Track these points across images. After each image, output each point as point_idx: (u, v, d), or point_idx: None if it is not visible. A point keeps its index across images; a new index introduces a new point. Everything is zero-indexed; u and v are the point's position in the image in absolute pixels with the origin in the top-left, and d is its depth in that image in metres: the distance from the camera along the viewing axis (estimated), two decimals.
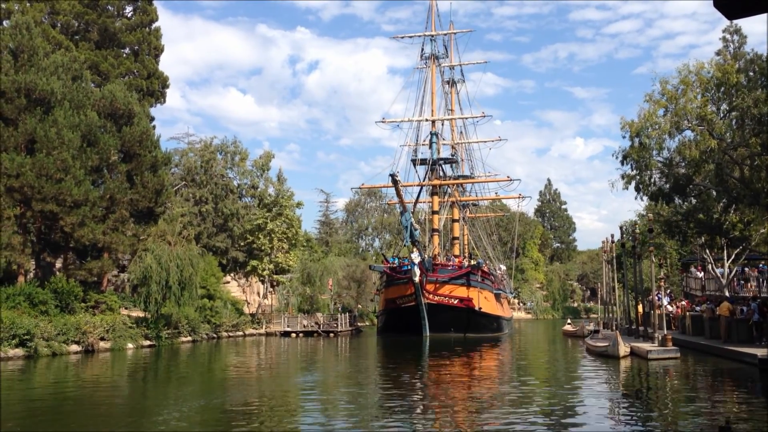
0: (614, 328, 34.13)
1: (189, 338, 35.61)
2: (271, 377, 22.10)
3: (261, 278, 48.11)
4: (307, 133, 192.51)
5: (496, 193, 63.39)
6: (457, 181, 57.83)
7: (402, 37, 55.51)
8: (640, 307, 33.92)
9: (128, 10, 43.56)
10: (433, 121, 52.08)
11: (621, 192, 47.14)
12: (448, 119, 58.11)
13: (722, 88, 28.05)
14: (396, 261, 45.25)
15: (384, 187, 55.94)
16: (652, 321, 28.46)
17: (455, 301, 42.24)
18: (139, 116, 34.58)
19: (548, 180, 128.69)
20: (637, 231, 34.22)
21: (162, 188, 35.24)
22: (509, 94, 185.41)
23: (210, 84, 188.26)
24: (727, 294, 31.10)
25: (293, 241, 47.72)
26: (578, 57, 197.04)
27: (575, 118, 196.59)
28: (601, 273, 50.24)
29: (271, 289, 50.73)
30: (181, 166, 49.59)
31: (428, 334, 40.20)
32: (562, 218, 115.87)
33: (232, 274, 51.65)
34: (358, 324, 51.28)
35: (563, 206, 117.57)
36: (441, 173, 52.91)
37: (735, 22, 28.75)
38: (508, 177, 55.69)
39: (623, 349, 25.03)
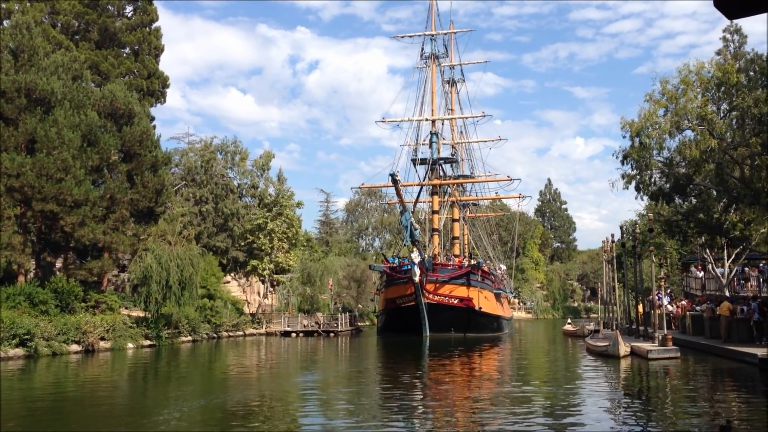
0: (614, 327, 34.13)
1: (189, 338, 35.61)
2: (271, 377, 22.10)
3: (261, 278, 48.12)
4: (307, 132, 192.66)
5: (496, 193, 63.46)
6: (457, 181, 57.82)
7: (402, 37, 55.58)
8: (640, 307, 33.91)
9: (128, 10, 43.57)
10: (433, 121, 52.07)
11: (621, 192, 47.13)
12: (448, 119, 58.12)
13: (722, 88, 28.04)
14: (396, 261, 45.24)
15: (384, 186, 56.00)
16: (653, 321, 28.45)
17: (455, 301, 42.24)
18: (140, 116, 34.58)
19: (548, 180, 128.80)
20: (638, 231, 34.21)
21: (162, 188, 35.24)
22: (509, 93, 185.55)
23: (210, 84, 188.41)
24: (727, 294, 31.09)
25: (293, 241, 47.73)
26: (578, 57, 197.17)
27: (575, 118, 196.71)
28: (602, 273, 50.24)
29: (272, 289, 50.73)
30: (181, 166, 49.60)
31: (428, 333, 40.21)
32: (563, 218, 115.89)
33: (232, 274, 51.65)
34: (359, 324, 51.28)
35: (563, 206, 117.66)
36: (441, 173, 52.90)
37: (735, 21, 28.76)
38: (508, 177, 55.72)
39: (623, 348, 25.03)
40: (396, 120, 52.63)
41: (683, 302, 35.55)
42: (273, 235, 45.46)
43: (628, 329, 34.38)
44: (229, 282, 51.08)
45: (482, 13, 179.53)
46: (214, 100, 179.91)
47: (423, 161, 50.74)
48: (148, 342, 31.89)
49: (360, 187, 58.57)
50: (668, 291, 37.89)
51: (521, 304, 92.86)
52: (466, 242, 64.47)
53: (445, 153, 54.93)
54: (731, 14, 4.27)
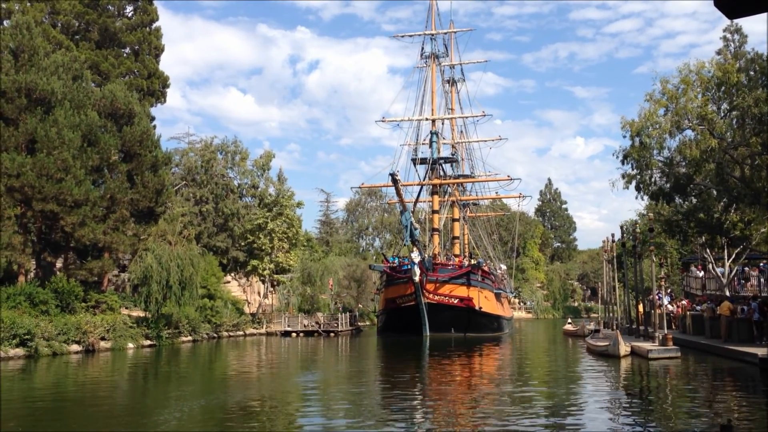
0: (615, 327, 34.12)
1: (189, 338, 35.61)
2: (271, 377, 22.10)
3: (261, 278, 48.12)
4: (307, 132, 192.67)
5: (496, 193, 63.44)
6: (457, 181, 57.81)
7: (402, 36, 55.58)
8: (640, 307, 33.91)
9: (129, 9, 43.57)
10: (434, 121, 52.05)
11: (621, 191, 47.13)
12: (448, 118, 58.11)
13: (723, 88, 28.03)
14: (396, 260, 45.23)
15: (384, 186, 55.99)
16: (653, 320, 28.45)
17: (455, 301, 42.23)
18: (140, 116, 34.58)
19: (549, 179, 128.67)
20: (638, 230, 34.21)
21: (162, 188, 35.24)
22: (509, 93, 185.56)
23: (210, 84, 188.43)
24: (727, 293, 31.09)
25: (294, 241, 47.72)
26: (579, 56, 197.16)
27: (576, 118, 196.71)
28: (602, 272, 50.22)
29: (272, 289, 50.73)
30: (181, 166, 49.60)
31: (428, 333, 40.20)
32: (563, 218, 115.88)
33: (232, 274, 51.65)
34: (359, 324, 51.28)
35: (564, 206, 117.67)
36: (441, 172, 52.89)
37: (735, 21, 28.74)
38: (508, 176, 55.66)
39: (624, 348, 25.03)
40: (396, 120, 52.65)
41: (683, 302, 35.55)
42: (273, 235, 45.46)
43: (628, 329, 34.37)
44: (229, 282, 51.08)
45: (482, 12, 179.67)
46: (215, 100, 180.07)
47: (423, 161, 50.72)
48: (148, 342, 31.90)
49: (360, 187, 58.59)
50: (668, 291, 37.89)
51: (521, 303, 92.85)
52: (466, 242, 64.47)
53: (445, 153, 54.94)
54: (731, 14, 4.27)
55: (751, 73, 28.07)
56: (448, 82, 61.22)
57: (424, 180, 50.94)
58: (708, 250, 35.60)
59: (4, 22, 34.62)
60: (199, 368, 25.67)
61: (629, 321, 36.25)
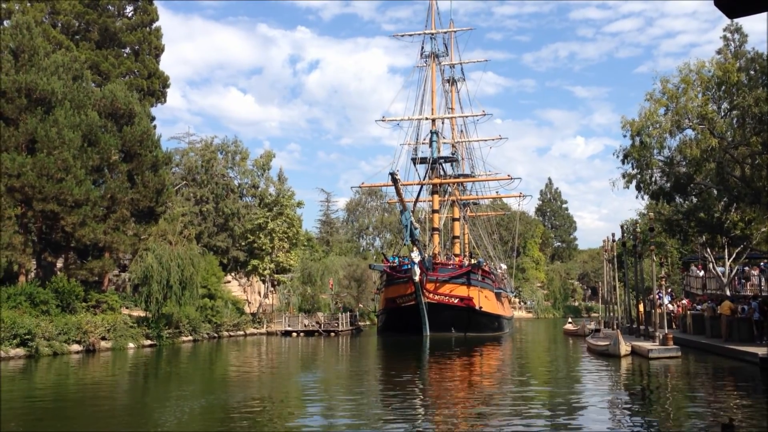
0: (615, 327, 34.11)
1: (190, 338, 35.62)
2: (272, 377, 22.10)
3: (262, 278, 48.13)
4: (307, 132, 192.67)
5: (496, 192, 63.41)
6: (457, 180, 57.79)
7: (402, 36, 55.55)
8: (641, 306, 33.90)
9: (129, 9, 43.57)
10: (434, 120, 52.03)
11: (622, 191, 47.15)
12: (448, 118, 58.09)
13: (723, 87, 28.04)
14: (396, 260, 45.21)
15: (384, 186, 56.01)
16: (653, 320, 28.45)
17: (456, 301, 42.21)
18: (140, 116, 34.58)
19: (549, 179, 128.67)
20: (638, 230, 34.22)
21: (163, 188, 35.24)
22: (510, 93, 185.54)
23: (210, 84, 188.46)
24: (728, 293, 31.08)
25: (294, 241, 47.73)
26: (579, 56, 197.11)
27: (576, 117, 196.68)
28: (602, 272, 50.21)
29: (272, 289, 50.74)
30: (181, 166, 49.62)
31: (428, 333, 40.19)
32: (563, 217, 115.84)
33: (233, 274, 51.66)
34: (359, 323, 51.28)
35: (564, 205, 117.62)
36: (441, 172, 52.86)
37: (736, 20, 28.72)
38: (508, 176, 55.53)
39: (624, 348, 25.03)
40: (396, 119, 52.60)
41: (684, 301, 35.54)
42: (273, 234, 45.47)
43: (628, 328, 34.37)
44: (229, 282, 51.09)
45: (482, 12, 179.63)
46: (215, 99, 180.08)
47: (423, 160, 50.69)
48: (148, 342, 31.91)
49: (360, 187, 58.55)
50: (669, 290, 37.87)
51: (522, 303, 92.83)
52: (466, 241, 64.46)
53: (446, 152, 54.92)
54: (732, 13, 4.27)
55: (752, 72, 28.07)
56: (448, 81, 61.22)
57: (424, 179, 50.91)
58: (708, 250, 35.60)
59: (5, 22, 34.63)
60: (199, 368, 25.67)
61: (630, 320, 36.25)
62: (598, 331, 37.79)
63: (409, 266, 40.22)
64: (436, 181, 51.79)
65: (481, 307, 43.27)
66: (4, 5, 36.28)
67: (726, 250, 34.32)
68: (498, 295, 51.72)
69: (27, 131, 29.44)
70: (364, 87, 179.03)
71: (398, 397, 16.05)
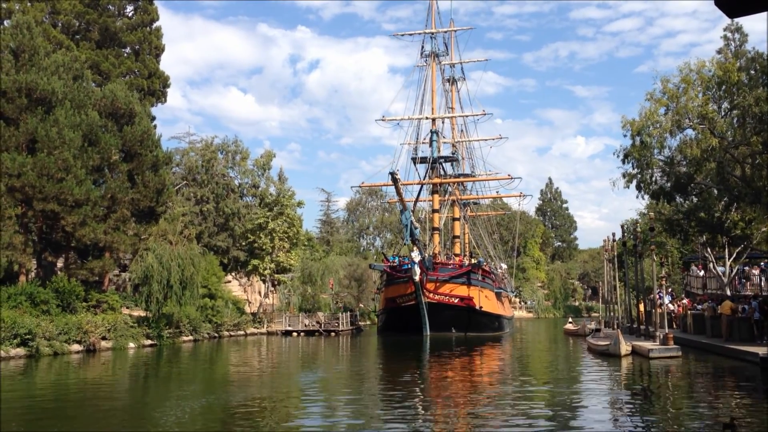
0: (615, 326, 34.12)
1: (190, 338, 35.63)
2: (272, 376, 22.11)
3: (262, 277, 48.14)
4: (307, 132, 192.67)
5: (497, 192, 63.37)
6: (457, 180, 57.76)
7: (402, 35, 55.53)
8: (641, 306, 33.89)
9: (129, 9, 43.57)
10: (434, 119, 51.99)
11: (622, 191, 47.13)
12: (448, 117, 58.06)
13: (723, 87, 28.04)
14: (396, 260, 45.20)
15: (384, 185, 56.01)
16: (654, 320, 28.45)
17: (456, 300, 42.20)
18: (140, 116, 34.58)
19: (549, 179, 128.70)
20: (639, 230, 34.21)
21: (163, 188, 35.25)
22: (510, 92, 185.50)
23: (211, 83, 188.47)
24: (728, 293, 31.08)
25: (294, 241, 47.74)
26: (579, 55, 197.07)
27: (576, 117, 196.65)
28: (603, 272, 50.21)
29: (273, 289, 50.76)
30: (182, 166, 49.63)
31: (429, 333, 40.16)
32: (563, 217, 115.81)
33: (233, 274, 51.67)
34: (360, 323, 51.29)
35: (564, 205, 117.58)
36: (441, 172, 52.84)
37: (736, 20, 28.73)
38: (509, 175, 55.48)
39: (624, 347, 25.03)
40: (396, 118, 52.55)
41: (684, 301, 35.53)
42: (274, 234, 45.48)
43: (629, 328, 34.37)
44: (230, 281, 51.11)
45: (482, 12, 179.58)
46: (215, 99, 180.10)
47: (423, 160, 50.66)
48: (149, 342, 31.91)
49: (360, 186, 58.53)
50: (669, 290, 37.87)
51: (522, 303, 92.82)
52: (466, 241, 64.43)
53: (446, 152, 54.91)
54: (732, 13, 4.26)
55: (752, 72, 28.07)
56: (449, 81, 61.20)
57: (424, 179, 50.87)
58: (709, 250, 35.61)
59: (5, 22, 34.63)
60: (200, 368, 25.68)
61: (630, 320, 36.25)
62: (598, 330, 37.79)
63: (410, 266, 40.20)
64: (437, 180, 51.77)
65: (481, 307, 43.26)
66: (4, 5, 36.29)
67: (726, 250, 34.33)
68: (498, 295, 51.71)
69: (27, 131, 29.45)
70: (365, 87, 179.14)
71: (398, 397, 16.05)
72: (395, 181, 38.69)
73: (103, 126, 32.52)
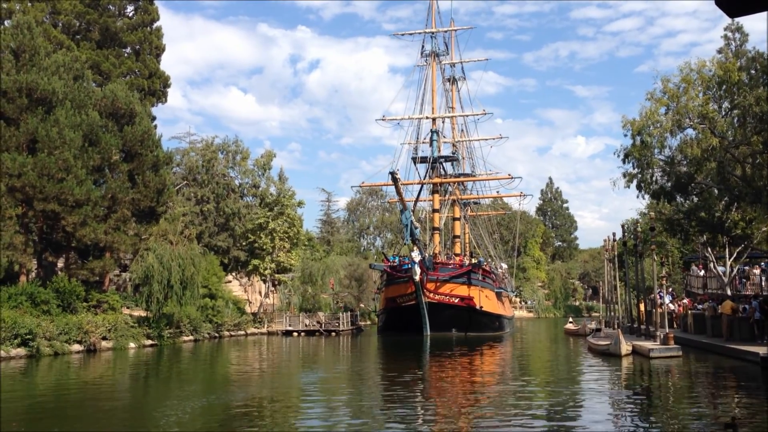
0: (616, 326, 34.12)
1: (191, 337, 35.63)
2: (272, 376, 22.12)
3: (263, 277, 48.15)
4: (308, 132, 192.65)
5: (497, 192, 63.33)
6: (458, 179, 57.74)
7: (402, 35, 55.52)
8: (641, 306, 33.88)
9: (129, 9, 43.60)
10: (434, 119, 51.98)
11: (622, 190, 47.23)
12: (448, 117, 58.01)
13: (724, 86, 28.05)
14: (396, 260, 45.20)
15: (384, 185, 55.98)
16: (654, 319, 28.44)
17: (456, 300, 42.18)
18: (141, 116, 34.59)
19: (549, 178, 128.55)
20: (639, 229, 34.20)
21: (163, 188, 35.26)
22: (510, 92, 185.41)
23: (211, 83, 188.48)
24: (728, 292, 31.08)
25: (295, 241, 47.74)
26: (579, 55, 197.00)
27: (576, 117, 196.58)
28: (603, 271, 50.19)
29: (273, 289, 50.77)
30: (182, 166, 49.66)
31: (429, 333, 40.15)
32: (564, 217, 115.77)
33: (233, 274, 51.68)
34: (360, 323, 51.30)
35: (565, 205, 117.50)
36: (442, 171, 52.83)
37: (736, 20, 28.72)
38: (509, 175, 55.45)
39: (625, 347, 25.02)
40: (396, 118, 52.52)
41: (685, 301, 35.52)
42: (274, 234, 45.49)
43: (629, 328, 34.36)
44: (230, 281, 51.12)
45: (483, 11, 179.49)
46: (215, 99, 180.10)
47: (423, 159, 50.65)
48: (149, 342, 31.92)
49: (360, 186, 58.51)
50: (670, 290, 37.86)
51: (522, 303, 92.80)
52: (467, 241, 64.42)
53: (446, 151, 54.88)
54: (732, 12, 4.26)
55: (752, 71, 28.08)
56: (449, 80, 61.17)
57: (424, 179, 50.85)
58: (709, 249, 35.61)
59: (5, 22, 34.64)
60: (200, 368, 25.69)
61: (630, 320, 36.23)
62: (599, 330, 37.77)
63: (410, 266, 40.18)
64: (437, 180, 51.77)
65: (481, 307, 43.24)
66: (4, 5, 36.30)
67: (727, 250, 34.34)
68: (499, 295, 51.68)
69: (28, 131, 29.46)
70: (365, 86, 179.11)
71: (399, 397, 16.04)
72: (395, 180, 38.68)
73: (103, 126, 32.53)
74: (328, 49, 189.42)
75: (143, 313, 33.68)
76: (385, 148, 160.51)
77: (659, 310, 28.05)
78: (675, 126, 29.21)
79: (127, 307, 35.46)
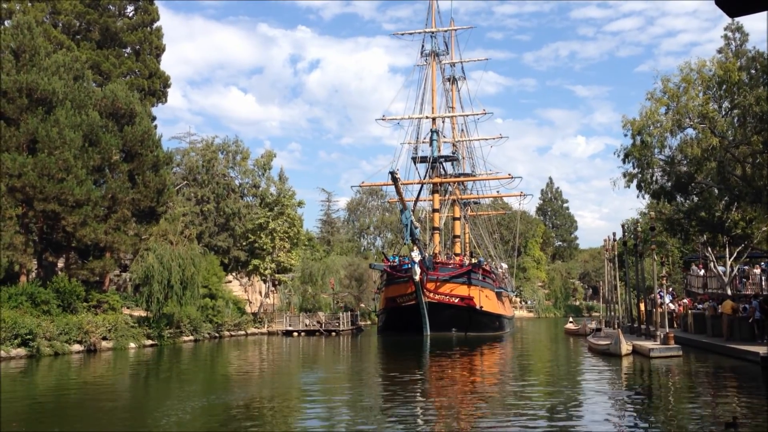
0: (616, 326, 34.11)
1: (191, 338, 35.64)
2: (273, 376, 22.12)
3: (263, 277, 48.15)
4: (308, 132, 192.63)
5: (497, 191, 63.33)
6: (458, 179, 57.73)
7: (402, 34, 55.52)
8: (642, 306, 33.87)
9: (129, 9, 43.59)
10: (434, 119, 51.96)
11: (623, 190, 47.27)
12: (448, 116, 57.99)
13: (724, 86, 28.05)
14: (396, 259, 45.19)
15: (384, 185, 55.98)
16: (654, 319, 28.44)
17: (456, 300, 42.17)
18: (141, 116, 34.60)
19: (550, 178, 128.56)
20: (639, 229, 34.20)
21: (164, 188, 35.26)
22: (510, 92, 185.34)
23: (211, 83, 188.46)
24: (729, 292, 31.07)
25: (295, 241, 47.74)
26: (579, 55, 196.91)
27: (576, 117, 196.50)
28: (603, 271, 50.19)
29: (273, 289, 50.77)
30: (182, 166, 49.67)
31: (429, 333, 40.14)
32: (564, 216, 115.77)
33: (233, 274, 51.68)
34: (360, 323, 51.32)
35: (565, 204, 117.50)
36: (442, 171, 52.83)
37: (736, 19, 28.72)
38: (509, 175, 55.41)
39: (625, 347, 25.02)
40: (396, 118, 52.49)
41: (685, 300, 35.52)
42: (274, 234, 45.50)
43: (629, 328, 34.36)
44: (230, 281, 51.12)
45: (483, 11, 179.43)
46: (215, 99, 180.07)
47: (423, 159, 50.64)
48: (149, 342, 31.93)
49: (360, 186, 58.47)
50: (670, 289, 37.86)
51: (523, 302, 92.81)
52: (467, 241, 64.41)
53: (446, 151, 54.86)
54: (732, 12, 4.26)
55: (752, 71, 28.09)
56: (449, 80, 61.17)
57: (424, 178, 50.85)
58: (709, 249, 35.61)
59: (6, 22, 34.64)
60: (200, 368, 25.69)
61: (631, 320, 36.24)
62: (599, 330, 37.76)
63: (410, 266, 40.17)
64: (437, 180, 51.76)
65: (481, 307, 43.23)
66: (4, 5, 36.30)
67: (727, 249, 34.33)
68: (499, 295, 51.67)
69: (28, 131, 29.46)
70: (365, 86, 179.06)
71: (399, 397, 16.04)
72: (395, 180, 38.67)
73: (103, 126, 32.53)
74: (328, 49, 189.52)
75: (143, 313, 33.68)
76: (385, 148, 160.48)
77: (659, 309, 28.04)
78: (675, 126, 29.22)
79: (128, 307, 35.47)
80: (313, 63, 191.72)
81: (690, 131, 29.91)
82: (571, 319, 54.62)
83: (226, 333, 40.17)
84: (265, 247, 45.46)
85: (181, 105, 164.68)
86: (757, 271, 30.26)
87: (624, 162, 31.46)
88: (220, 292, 41.32)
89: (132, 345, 30.25)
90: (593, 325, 41.88)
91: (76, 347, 27.52)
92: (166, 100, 44.71)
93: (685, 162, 29.73)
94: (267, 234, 45.46)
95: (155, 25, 43.86)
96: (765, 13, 4.16)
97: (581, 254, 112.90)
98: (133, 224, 34.60)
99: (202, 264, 36.14)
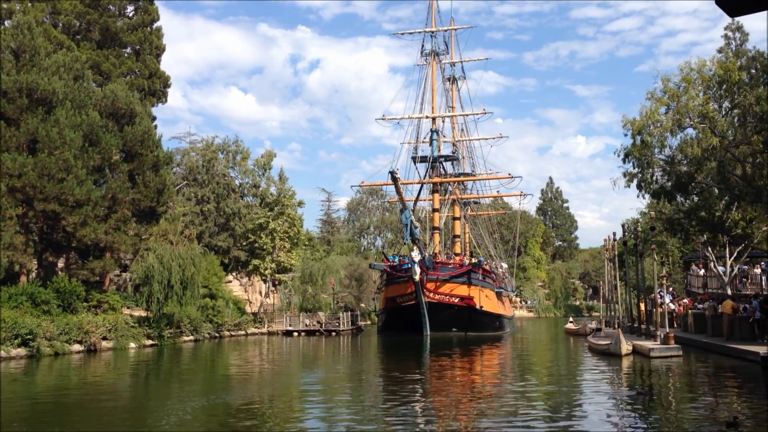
0: (616, 326, 34.11)
1: (191, 338, 35.64)
2: (273, 376, 22.12)
3: (263, 277, 48.16)
4: (308, 132, 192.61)
5: (497, 191, 63.34)
6: (458, 179, 57.72)
7: (402, 34, 55.52)
8: (642, 305, 33.87)
9: (129, 9, 43.58)
10: (434, 119, 51.95)
11: (623, 190, 47.28)
12: (448, 116, 57.99)
13: (724, 86, 28.05)
14: (396, 259, 45.18)
15: (384, 184, 55.98)
16: (655, 319, 28.44)
17: (456, 300, 42.15)
18: (141, 116, 34.59)
19: (550, 178, 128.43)
20: (639, 229, 34.22)
21: (164, 188, 35.26)
22: (510, 92, 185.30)
23: (211, 83, 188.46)
24: (729, 292, 31.07)
25: (295, 241, 47.74)
26: (579, 55, 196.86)
27: (577, 116, 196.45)
28: (603, 271, 50.18)
29: (273, 289, 50.78)
30: (182, 166, 49.67)
31: (429, 333, 40.13)
32: (564, 216, 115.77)
33: (234, 274, 51.69)
34: (360, 323, 51.33)
35: (565, 204, 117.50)
36: (442, 171, 52.82)
37: (737, 19, 28.72)
38: (509, 174, 55.40)
39: (625, 347, 25.01)
40: (396, 118, 52.47)
41: (685, 300, 35.51)
42: (274, 234, 45.49)
43: (630, 328, 34.36)
44: (230, 281, 51.11)
45: (483, 11, 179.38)
46: (215, 99, 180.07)
47: (423, 159, 50.62)
48: (150, 342, 31.93)
49: (360, 186, 58.47)
50: (670, 289, 37.85)
51: (523, 302, 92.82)
52: (467, 240, 64.40)
53: (446, 151, 54.86)
54: (733, 12, 4.26)
55: (753, 71, 28.09)
56: (449, 80, 61.16)
57: (424, 178, 50.83)
58: (709, 249, 35.61)
59: (6, 22, 34.64)
60: (200, 368, 25.69)
61: (631, 320, 36.24)
62: (599, 330, 37.76)
63: (410, 265, 40.16)
64: (437, 179, 51.74)
65: (481, 307, 43.22)
66: (4, 5, 36.30)
67: (727, 249, 34.32)
68: (499, 295, 51.65)
69: (28, 131, 29.46)
70: (365, 86, 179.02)
71: (399, 397, 16.04)
72: (395, 180, 38.66)
73: (103, 126, 32.53)
74: (328, 49, 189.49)
75: (143, 313, 33.68)
76: (385, 147, 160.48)
77: (659, 309, 28.05)
78: (675, 125, 29.22)
79: (128, 307, 35.47)
80: (313, 63, 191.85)
81: (690, 131, 29.93)
82: (571, 319, 54.60)
83: (226, 333, 40.18)
84: (265, 247, 45.46)
85: (181, 105, 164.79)
86: (758, 270, 30.26)
87: (624, 162, 31.48)
88: (220, 292, 41.33)
89: (132, 345, 30.25)
90: (593, 324, 41.87)
91: (77, 347, 27.53)
92: (166, 100, 44.73)
93: (686, 162, 29.73)
94: (267, 234, 45.46)
95: (155, 25, 43.87)
96: (765, 12, 4.16)
97: (581, 254, 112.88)
98: (133, 224, 34.60)
99: (202, 264, 36.14)
